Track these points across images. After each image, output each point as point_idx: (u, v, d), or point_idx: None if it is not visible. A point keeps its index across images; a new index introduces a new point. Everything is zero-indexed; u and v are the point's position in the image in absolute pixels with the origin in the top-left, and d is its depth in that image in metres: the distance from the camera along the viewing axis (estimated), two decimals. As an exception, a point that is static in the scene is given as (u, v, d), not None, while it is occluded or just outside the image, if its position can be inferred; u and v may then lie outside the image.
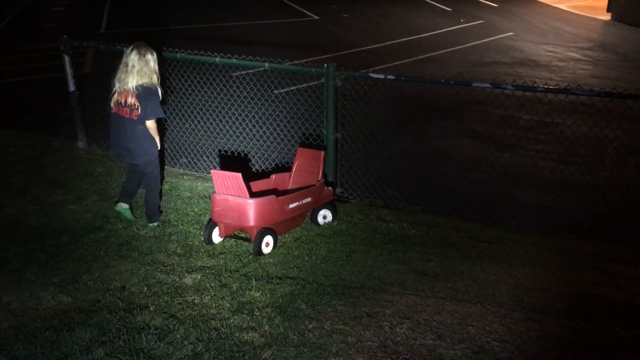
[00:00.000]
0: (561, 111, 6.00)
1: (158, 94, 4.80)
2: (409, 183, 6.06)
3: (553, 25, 15.65)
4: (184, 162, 6.59)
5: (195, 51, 6.07)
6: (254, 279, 4.19)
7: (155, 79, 4.79)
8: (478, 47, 13.03)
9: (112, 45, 6.30)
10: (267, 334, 3.55)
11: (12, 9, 16.89)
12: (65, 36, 6.67)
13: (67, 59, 6.63)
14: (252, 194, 4.68)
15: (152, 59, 4.77)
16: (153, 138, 4.84)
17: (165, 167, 6.51)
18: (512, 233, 5.10)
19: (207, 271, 4.31)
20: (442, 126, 7.89)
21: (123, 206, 5.11)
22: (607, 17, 16.87)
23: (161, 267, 4.36)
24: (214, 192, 4.73)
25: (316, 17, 16.29)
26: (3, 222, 5.11)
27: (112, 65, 6.55)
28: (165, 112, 4.85)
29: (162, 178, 5.06)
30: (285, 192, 5.08)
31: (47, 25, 14.69)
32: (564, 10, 18.06)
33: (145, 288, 4.06)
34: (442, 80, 5.38)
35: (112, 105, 4.87)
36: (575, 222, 5.30)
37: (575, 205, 5.58)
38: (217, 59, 5.85)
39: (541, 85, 4.97)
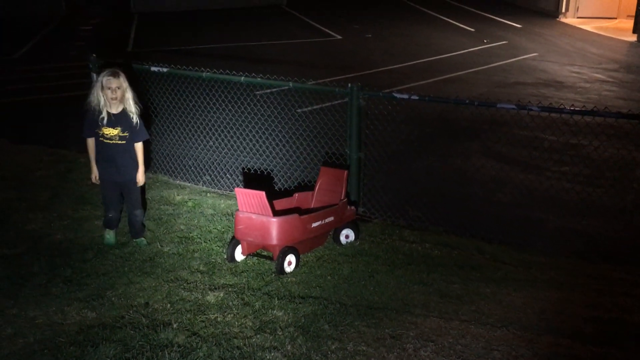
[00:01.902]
0: (587, 133, 5.93)
1: (87, 115, 4.79)
2: (431, 203, 6.01)
3: (578, 46, 15.53)
4: (207, 180, 6.64)
5: (221, 70, 6.14)
6: (276, 298, 4.18)
7: (94, 102, 4.75)
8: (502, 68, 12.97)
9: (139, 64, 6.41)
10: (290, 354, 3.53)
11: (43, 27, 17.30)
12: (94, 55, 6.80)
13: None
14: (275, 213, 4.69)
15: (97, 82, 4.76)
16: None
17: (189, 185, 6.57)
18: (538, 256, 5.02)
19: (230, 289, 4.31)
20: (466, 147, 7.85)
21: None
22: (633, 38, 16.70)
23: (184, 285, 4.38)
24: (238, 210, 4.75)
25: (339, 37, 16.38)
26: (30, 236, 5.19)
27: (138, 83, 6.68)
28: (86, 132, 4.83)
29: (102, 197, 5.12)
30: (308, 211, 5.08)
31: (77, 44, 15.01)
32: (589, 31, 17.92)
33: (169, 305, 4.08)
34: (467, 101, 5.37)
35: None
36: (603, 246, 5.20)
37: (602, 229, 5.48)
38: (242, 79, 5.92)
39: (567, 107, 4.92)
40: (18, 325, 3.85)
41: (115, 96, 4.71)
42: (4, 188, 6.27)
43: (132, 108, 4.79)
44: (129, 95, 4.78)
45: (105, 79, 4.69)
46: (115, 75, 4.72)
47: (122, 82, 4.74)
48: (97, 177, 4.91)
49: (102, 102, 4.70)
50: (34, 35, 16.28)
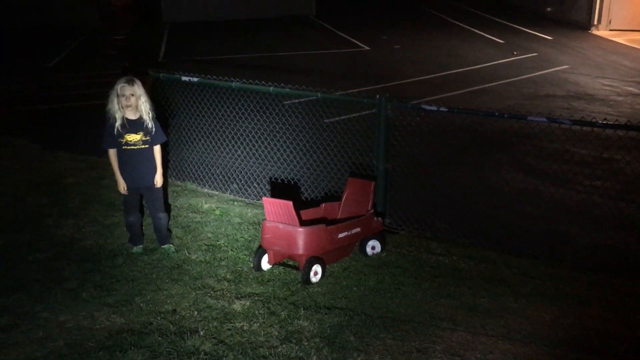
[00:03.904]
0: (620, 147, 5.83)
1: (107, 125, 4.86)
2: (459, 216, 5.96)
3: (610, 59, 15.29)
4: (235, 188, 6.69)
5: (250, 80, 6.20)
6: (302, 308, 4.19)
7: (112, 110, 4.81)
8: (532, 80, 12.83)
9: (170, 73, 6.51)
10: (315, 364, 3.53)
11: (77, 36, 17.70)
12: (126, 63, 6.92)
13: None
14: (302, 222, 4.71)
15: (113, 90, 4.81)
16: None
17: (216, 193, 6.63)
18: (567, 271, 4.94)
19: (256, 298, 4.33)
20: (495, 159, 7.77)
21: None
22: (667, 51, 16.40)
23: (211, 292, 4.41)
24: (265, 219, 4.78)
25: (367, 48, 16.41)
26: (61, 241, 5.29)
27: (169, 92, 6.78)
28: (107, 143, 4.88)
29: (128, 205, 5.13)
30: (334, 222, 5.08)
31: (109, 53, 15.32)
32: (621, 44, 17.63)
33: (196, 312, 4.11)
34: (497, 113, 5.32)
35: None
36: (635, 263, 5.09)
37: (634, 245, 5.37)
38: (271, 89, 5.96)
39: (599, 120, 4.85)
40: (48, 329, 3.92)
41: (129, 103, 4.79)
42: (37, 193, 6.41)
43: (146, 114, 4.90)
44: (144, 101, 4.87)
45: (119, 87, 4.78)
46: (129, 82, 4.81)
47: (137, 89, 4.82)
48: (126, 188, 4.98)
49: (119, 111, 4.80)
50: (68, 44, 16.66)
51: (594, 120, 4.89)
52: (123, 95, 4.77)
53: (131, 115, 4.87)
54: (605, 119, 4.85)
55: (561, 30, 19.28)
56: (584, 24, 19.79)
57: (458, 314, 4.18)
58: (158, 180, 5.04)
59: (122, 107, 4.79)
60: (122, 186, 4.97)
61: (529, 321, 4.11)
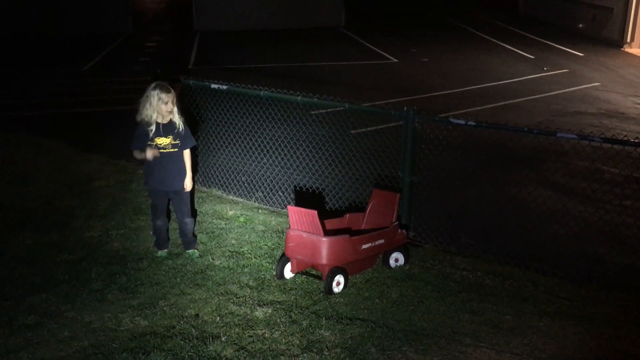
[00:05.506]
0: (651, 166, 5.74)
1: (138, 128, 4.96)
2: (484, 231, 5.91)
3: (643, 76, 15.04)
4: (260, 196, 6.73)
5: (278, 89, 6.24)
6: (324, 318, 4.18)
7: (147, 116, 4.90)
8: (561, 97, 12.68)
9: (199, 81, 6.59)
10: (335, 375, 3.52)
11: (111, 43, 18.05)
12: (158, 70, 7.03)
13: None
14: (326, 232, 4.71)
15: (146, 95, 4.91)
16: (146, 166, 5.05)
17: (241, 200, 6.67)
18: (595, 291, 4.84)
19: (278, 306, 4.34)
20: (522, 175, 7.68)
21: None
22: (702, 70, 16.05)
23: (234, 299, 4.44)
24: (289, 227, 4.80)
25: (395, 60, 16.41)
26: (89, 243, 5.38)
27: (199, 99, 6.87)
28: (136, 144, 4.98)
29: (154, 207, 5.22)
30: (358, 232, 5.08)
31: (141, 59, 15.58)
32: (655, 61, 17.33)
33: (218, 318, 4.14)
34: (526, 129, 5.27)
35: None
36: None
37: (665, 267, 5.26)
38: (299, 98, 5.99)
39: (631, 139, 4.77)
40: (74, 329, 3.99)
41: (170, 109, 4.92)
42: (67, 195, 6.53)
43: (178, 118, 5.00)
44: (176, 106, 4.99)
45: (162, 95, 4.88)
46: (168, 90, 4.93)
47: (172, 95, 4.95)
48: (154, 155, 4.93)
49: (154, 116, 4.90)
50: (101, 50, 16.99)
51: (625, 138, 4.82)
52: (165, 103, 4.89)
53: (162, 120, 4.97)
54: (637, 138, 4.78)
55: (593, 47, 19.03)
56: (617, 42, 19.52)
57: (481, 330, 4.13)
58: (187, 184, 5.11)
59: (158, 112, 4.90)
60: (151, 152, 4.95)
61: (554, 341, 4.04)
